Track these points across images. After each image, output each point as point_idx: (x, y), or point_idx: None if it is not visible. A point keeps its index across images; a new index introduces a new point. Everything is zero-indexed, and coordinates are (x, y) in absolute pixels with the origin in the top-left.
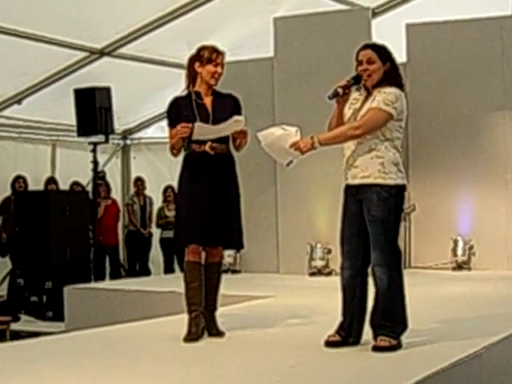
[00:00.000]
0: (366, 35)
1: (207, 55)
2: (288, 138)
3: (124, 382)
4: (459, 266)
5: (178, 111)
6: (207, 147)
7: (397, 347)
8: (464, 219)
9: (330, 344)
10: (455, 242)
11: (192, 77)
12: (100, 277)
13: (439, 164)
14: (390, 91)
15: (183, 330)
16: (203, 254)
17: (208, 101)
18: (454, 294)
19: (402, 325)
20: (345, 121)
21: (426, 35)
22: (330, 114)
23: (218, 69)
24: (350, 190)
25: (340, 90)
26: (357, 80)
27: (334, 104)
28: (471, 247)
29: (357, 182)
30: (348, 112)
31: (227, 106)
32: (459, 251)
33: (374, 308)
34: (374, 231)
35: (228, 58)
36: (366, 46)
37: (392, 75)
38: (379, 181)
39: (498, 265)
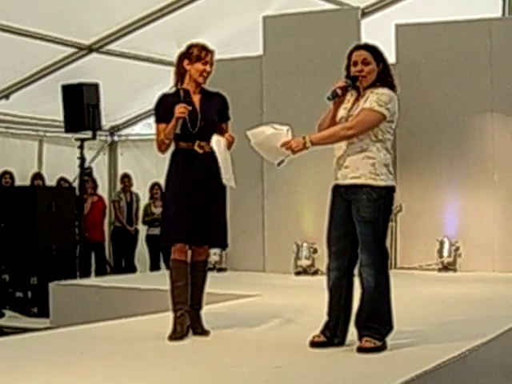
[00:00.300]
0: (355, 35)
1: (196, 53)
2: (279, 137)
3: (109, 380)
4: (445, 267)
5: (166, 108)
6: (196, 146)
7: (382, 348)
8: (450, 220)
9: (315, 344)
10: (441, 243)
11: (180, 74)
12: (85, 273)
13: (426, 165)
14: (384, 92)
15: (168, 328)
16: (189, 253)
17: (196, 99)
18: (440, 295)
19: (388, 326)
20: (337, 121)
21: (416, 36)
22: (318, 113)
23: (207, 67)
24: (338, 190)
25: (339, 91)
26: (354, 81)
27: (321, 103)
28: (457, 248)
29: (347, 182)
30: (340, 112)
31: (215, 105)
32: (445, 252)
33: (360, 309)
34: (362, 232)
35: (217, 56)
36: (359, 47)
37: (385, 76)
38: (370, 182)
39: (483, 266)
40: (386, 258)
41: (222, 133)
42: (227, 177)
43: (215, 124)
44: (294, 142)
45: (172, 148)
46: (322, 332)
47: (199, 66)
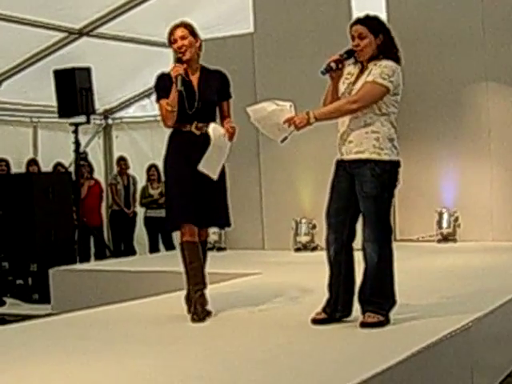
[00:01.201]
0: (345, 8)
1: (168, 37)
2: (282, 113)
3: (113, 364)
4: (445, 238)
5: (165, 84)
6: (193, 127)
7: (385, 323)
8: (448, 191)
9: (316, 321)
10: (440, 214)
11: (177, 59)
12: (85, 258)
13: (423, 136)
14: (387, 64)
15: (170, 309)
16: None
17: (194, 78)
18: (440, 266)
19: (391, 300)
20: (339, 95)
21: (407, 6)
22: (311, 89)
23: (179, 43)
24: (342, 164)
25: (333, 65)
26: (350, 54)
27: (314, 79)
28: (456, 219)
29: (351, 157)
30: (342, 87)
31: (214, 84)
32: (444, 223)
33: (363, 284)
34: (366, 207)
35: (207, 35)
36: (356, 21)
37: (387, 48)
38: (374, 156)
39: (483, 236)
40: (389, 234)
41: (222, 113)
42: (207, 165)
43: (214, 104)
44: (297, 118)
45: (169, 130)
46: (323, 309)
47: (174, 46)
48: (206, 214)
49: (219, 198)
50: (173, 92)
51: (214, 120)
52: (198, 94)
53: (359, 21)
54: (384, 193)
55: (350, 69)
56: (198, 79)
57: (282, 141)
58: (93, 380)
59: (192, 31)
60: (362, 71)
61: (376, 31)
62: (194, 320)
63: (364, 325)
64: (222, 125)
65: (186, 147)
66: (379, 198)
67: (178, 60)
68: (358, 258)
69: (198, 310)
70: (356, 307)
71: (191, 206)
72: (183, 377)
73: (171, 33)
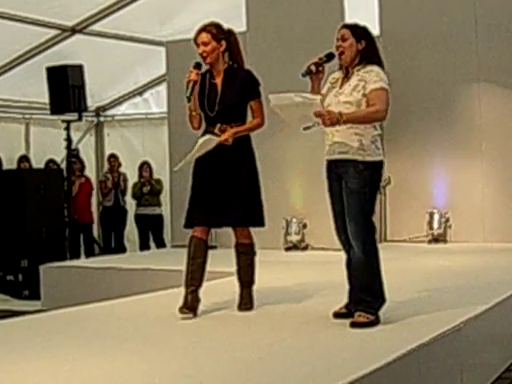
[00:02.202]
0: (338, 8)
1: (193, 39)
2: (311, 106)
3: (102, 361)
4: (435, 239)
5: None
6: (216, 129)
7: (375, 323)
8: (439, 192)
9: (336, 315)
10: (431, 214)
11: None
12: (75, 255)
13: (414, 137)
14: (379, 71)
15: (159, 307)
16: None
17: (219, 80)
18: (431, 267)
19: (380, 299)
20: (326, 101)
21: (399, 7)
22: (303, 88)
23: (200, 49)
24: (330, 165)
25: (313, 68)
26: (329, 57)
27: (306, 79)
28: (447, 220)
29: (335, 157)
30: (330, 92)
31: (237, 85)
32: (435, 224)
33: (352, 283)
34: (349, 203)
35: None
36: (342, 26)
37: (369, 54)
38: (357, 157)
39: (474, 237)
40: (372, 231)
41: (252, 112)
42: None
43: (236, 106)
44: (328, 115)
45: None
46: (346, 305)
47: (198, 50)
48: (222, 214)
49: (239, 198)
50: (194, 96)
51: (242, 121)
52: (219, 96)
53: (345, 25)
54: (366, 188)
55: (335, 75)
56: (221, 81)
57: (305, 128)
58: (82, 376)
59: (215, 35)
60: (346, 76)
61: (359, 36)
62: (181, 311)
63: (354, 324)
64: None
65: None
66: (361, 193)
67: (197, 65)
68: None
69: (188, 302)
70: None
71: (202, 207)
72: (172, 375)
73: (195, 36)
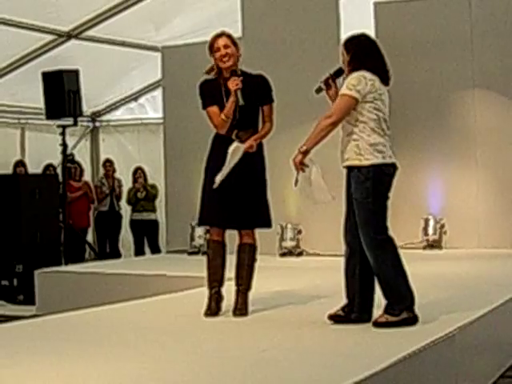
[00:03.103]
0: (333, 14)
1: (210, 46)
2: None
3: (96, 366)
4: (430, 245)
5: (210, 92)
6: (233, 135)
7: (398, 323)
8: (435, 198)
9: (331, 317)
10: (426, 221)
11: (216, 66)
12: (70, 260)
13: (409, 142)
14: (353, 76)
15: (156, 314)
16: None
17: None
18: (426, 273)
19: (405, 301)
20: None
21: (395, 13)
22: (297, 93)
23: (222, 51)
24: (345, 171)
25: (322, 86)
26: (338, 73)
27: (300, 83)
28: (442, 226)
29: (343, 164)
30: None
31: (254, 89)
32: (430, 230)
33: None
34: (357, 213)
35: (195, 39)
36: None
37: (355, 63)
38: (356, 162)
39: (469, 243)
40: (382, 237)
41: (263, 117)
42: (220, 177)
43: (252, 111)
44: (294, 157)
45: (158, 134)
46: (342, 308)
47: (217, 54)
48: (234, 216)
49: (252, 202)
50: (230, 103)
51: (254, 126)
52: (238, 106)
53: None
54: (368, 199)
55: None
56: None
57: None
58: (77, 382)
59: (233, 41)
60: None
61: (348, 49)
62: (206, 314)
63: (374, 324)
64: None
65: (223, 151)
66: (364, 204)
67: (235, 72)
68: None
69: (212, 305)
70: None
71: (215, 208)
72: (167, 381)
73: (213, 42)
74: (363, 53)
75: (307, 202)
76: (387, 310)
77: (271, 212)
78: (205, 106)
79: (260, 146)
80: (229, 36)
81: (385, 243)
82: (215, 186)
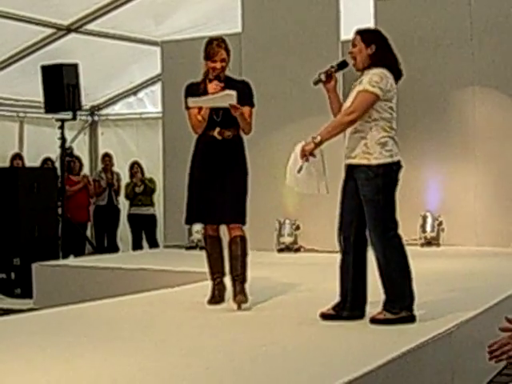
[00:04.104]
0: (333, 10)
1: (207, 51)
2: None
3: (95, 360)
4: (428, 243)
5: (192, 95)
6: (215, 132)
7: (396, 321)
8: (433, 195)
9: (323, 316)
10: (424, 218)
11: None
12: (68, 254)
13: (408, 140)
14: (375, 72)
15: (154, 307)
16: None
17: (219, 88)
18: (424, 270)
19: (405, 300)
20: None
21: (394, 10)
22: (296, 89)
23: (218, 65)
24: (346, 168)
25: (322, 76)
26: (341, 66)
27: (299, 79)
28: (440, 223)
29: (348, 162)
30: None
31: (237, 93)
32: (428, 227)
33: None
34: (366, 210)
35: (195, 34)
36: (354, 32)
37: (380, 57)
38: (364, 161)
39: (467, 240)
40: (391, 235)
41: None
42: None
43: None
44: (306, 145)
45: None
46: (334, 306)
47: (209, 63)
48: (218, 213)
49: (233, 198)
50: (194, 119)
51: (236, 125)
52: None
53: (356, 31)
54: (378, 195)
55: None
56: (222, 89)
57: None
58: (75, 376)
59: (229, 52)
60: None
61: (368, 41)
62: (210, 303)
63: (371, 320)
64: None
65: (206, 151)
66: (374, 201)
67: (215, 77)
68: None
69: (215, 294)
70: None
71: (201, 205)
72: (164, 376)
73: (213, 51)
74: (384, 49)
75: (297, 189)
76: (386, 307)
77: (246, 209)
78: (187, 107)
79: (241, 145)
80: (226, 48)
81: (394, 240)
82: (189, 105)
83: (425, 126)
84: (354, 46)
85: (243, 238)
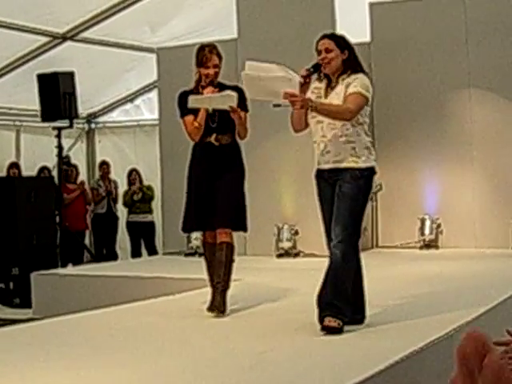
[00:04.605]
0: (329, 14)
1: (200, 58)
2: (288, 83)
3: (94, 371)
4: (427, 245)
5: (186, 103)
6: (212, 138)
7: (342, 330)
8: (431, 198)
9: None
10: (422, 220)
11: (199, 75)
12: (67, 263)
13: (405, 143)
14: (363, 78)
15: (151, 316)
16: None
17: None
18: (423, 273)
19: (350, 309)
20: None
21: (390, 14)
22: None
23: (211, 71)
24: (322, 175)
25: (301, 80)
26: (316, 68)
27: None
28: (438, 226)
29: (329, 166)
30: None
31: None
32: (427, 230)
33: (323, 287)
34: (340, 206)
35: (191, 40)
36: (324, 36)
37: (353, 63)
38: (352, 165)
39: (465, 243)
40: (357, 238)
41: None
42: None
43: (231, 117)
44: (299, 99)
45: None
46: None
47: (202, 70)
48: (214, 218)
49: (230, 204)
50: (202, 111)
51: (232, 131)
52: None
53: (326, 36)
54: (359, 195)
55: (316, 84)
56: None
57: (275, 106)
58: None
59: (221, 58)
60: (330, 86)
61: (342, 46)
62: (210, 310)
63: (326, 329)
64: (238, 135)
65: (204, 157)
66: (355, 199)
67: (209, 83)
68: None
69: (216, 300)
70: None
71: (199, 213)
72: (166, 382)
73: (205, 57)
74: (355, 55)
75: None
76: (337, 315)
77: (247, 216)
78: (182, 115)
79: (236, 155)
80: (218, 54)
81: (358, 245)
82: (189, 105)
83: (421, 128)
84: (328, 51)
85: (229, 245)
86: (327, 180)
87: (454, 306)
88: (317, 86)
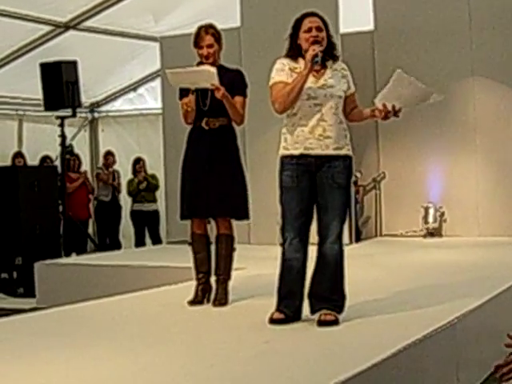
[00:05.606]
0: (332, 3)
1: (194, 38)
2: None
3: (98, 360)
4: (430, 234)
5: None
6: (203, 123)
7: (339, 321)
8: (434, 186)
9: (273, 321)
10: (426, 209)
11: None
12: (70, 252)
13: (408, 131)
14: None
15: (153, 306)
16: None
17: None
18: (427, 261)
19: (344, 300)
20: (308, 92)
21: (393, 2)
22: None
23: (204, 51)
24: (301, 160)
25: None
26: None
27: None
28: (442, 214)
29: (327, 152)
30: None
31: (228, 81)
32: (430, 218)
33: (320, 282)
34: (336, 198)
35: (194, 29)
36: (313, 14)
37: (334, 47)
38: (348, 152)
39: (469, 231)
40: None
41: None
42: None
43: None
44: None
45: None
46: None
47: (197, 50)
48: (209, 206)
49: (226, 190)
50: (189, 94)
51: (225, 115)
52: (210, 92)
53: (315, 14)
54: (349, 184)
55: (294, 64)
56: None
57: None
58: (78, 376)
59: (217, 38)
60: (320, 70)
61: (326, 28)
62: (191, 303)
63: (322, 323)
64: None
65: (195, 141)
66: (348, 190)
67: (200, 63)
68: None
69: (198, 294)
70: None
71: (190, 199)
72: (167, 374)
73: (199, 37)
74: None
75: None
76: (333, 308)
77: (249, 204)
78: (179, 98)
79: (233, 137)
80: (214, 34)
81: (342, 237)
82: (170, 81)
83: (425, 117)
84: (320, 29)
85: (228, 237)
86: (308, 166)
87: (458, 294)
88: (296, 66)
